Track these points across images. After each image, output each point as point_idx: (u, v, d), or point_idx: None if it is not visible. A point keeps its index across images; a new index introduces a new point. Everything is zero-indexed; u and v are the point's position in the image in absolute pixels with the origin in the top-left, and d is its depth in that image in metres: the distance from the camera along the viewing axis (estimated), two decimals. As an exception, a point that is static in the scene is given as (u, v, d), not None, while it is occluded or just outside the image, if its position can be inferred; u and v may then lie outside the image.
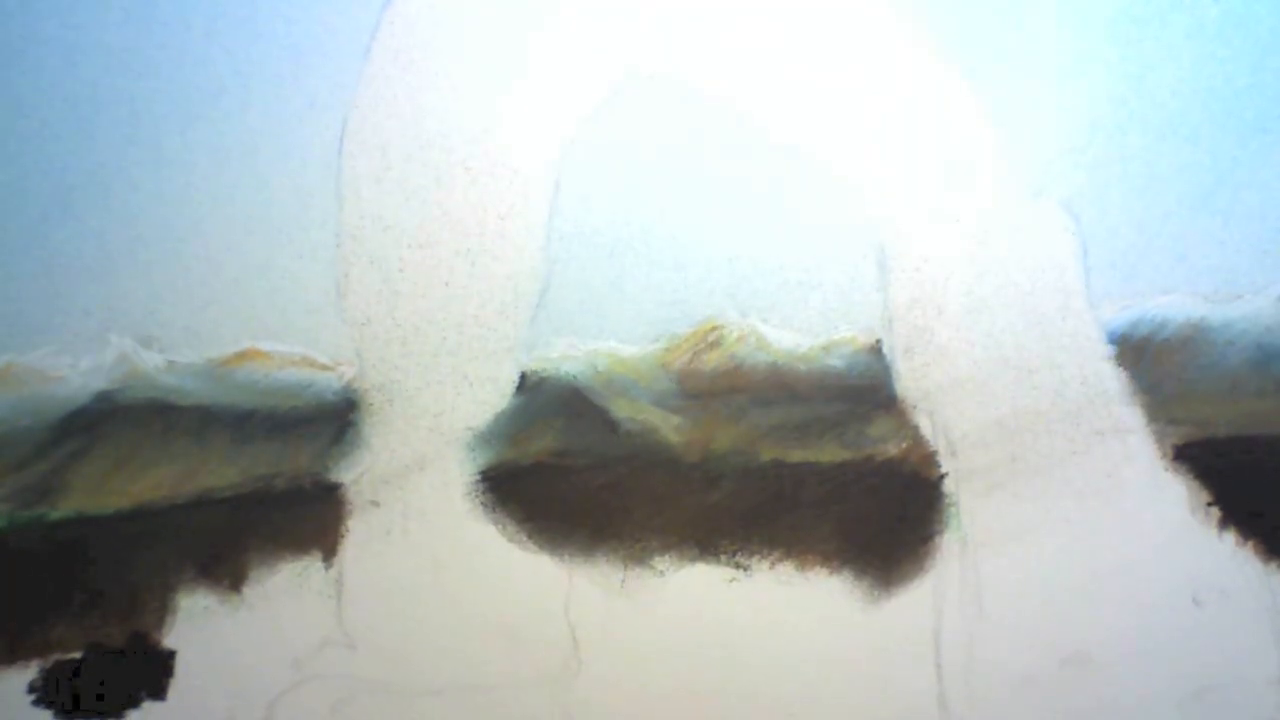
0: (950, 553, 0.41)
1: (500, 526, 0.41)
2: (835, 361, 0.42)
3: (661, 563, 0.41)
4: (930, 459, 0.41)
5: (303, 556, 0.41)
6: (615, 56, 0.42)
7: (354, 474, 0.41)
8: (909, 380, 0.42)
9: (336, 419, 0.41)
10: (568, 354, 0.42)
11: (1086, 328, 0.42)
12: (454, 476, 0.41)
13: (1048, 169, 0.42)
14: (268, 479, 0.40)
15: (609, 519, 0.41)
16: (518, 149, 0.42)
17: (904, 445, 0.41)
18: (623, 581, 0.41)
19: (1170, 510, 0.42)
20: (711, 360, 0.42)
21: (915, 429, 0.41)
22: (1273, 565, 0.43)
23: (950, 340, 0.42)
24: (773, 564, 0.41)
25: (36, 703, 0.39)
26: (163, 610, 0.40)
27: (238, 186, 0.41)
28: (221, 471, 0.40)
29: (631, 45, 0.42)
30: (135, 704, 0.40)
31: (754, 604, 0.41)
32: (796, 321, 0.42)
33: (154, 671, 0.40)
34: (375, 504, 0.41)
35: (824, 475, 0.41)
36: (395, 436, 0.41)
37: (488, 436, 0.41)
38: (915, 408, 0.42)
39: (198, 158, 0.41)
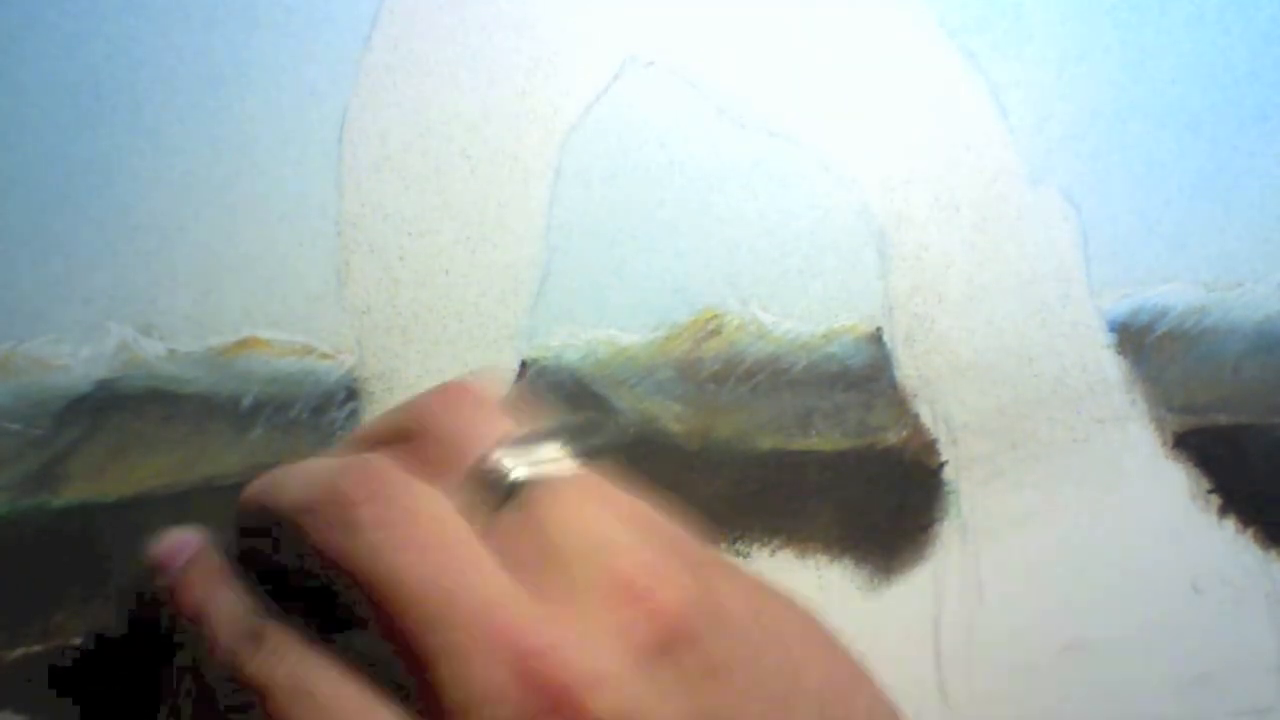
0: (950, 540, 0.41)
1: (501, 515, 0.41)
2: (836, 349, 0.42)
3: (662, 550, 0.41)
4: (931, 447, 0.42)
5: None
6: (615, 44, 0.42)
7: (354, 462, 0.41)
8: (909, 368, 0.42)
9: (337, 407, 0.41)
10: (568, 342, 0.42)
11: (1087, 316, 0.43)
12: (454, 465, 0.41)
13: (1048, 157, 0.43)
14: (269, 467, 0.41)
15: (609, 507, 0.41)
16: (517, 137, 0.42)
17: (904, 433, 0.42)
18: (623, 569, 0.41)
19: (1170, 498, 0.43)
20: (712, 348, 0.42)
21: (916, 417, 0.42)
22: (1273, 553, 0.43)
23: (951, 328, 0.42)
24: (773, 551, 0.42)
25: (39, 690, 0.40)
26: (164, 599, 0.40)
27: (237, 175, 0.41)
28: (222, 459, 0.41)
29: (632, 33, 0.43)
30: (135, 691, 0.40)
31: (754, 591, 0.42)
32: (797, 310, 0.43)
33: (155, 660, 0.40)
34: (376, 492, 0.41)
35: (824, 463, 0.42)
36: (395, 425, 0.41)
37: (488, 425, 0.41)
38: (916, 395, 0.42)
39: (197, 146, 0.41)
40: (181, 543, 0.31)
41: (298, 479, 0.27)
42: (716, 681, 0.22)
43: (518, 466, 0.25)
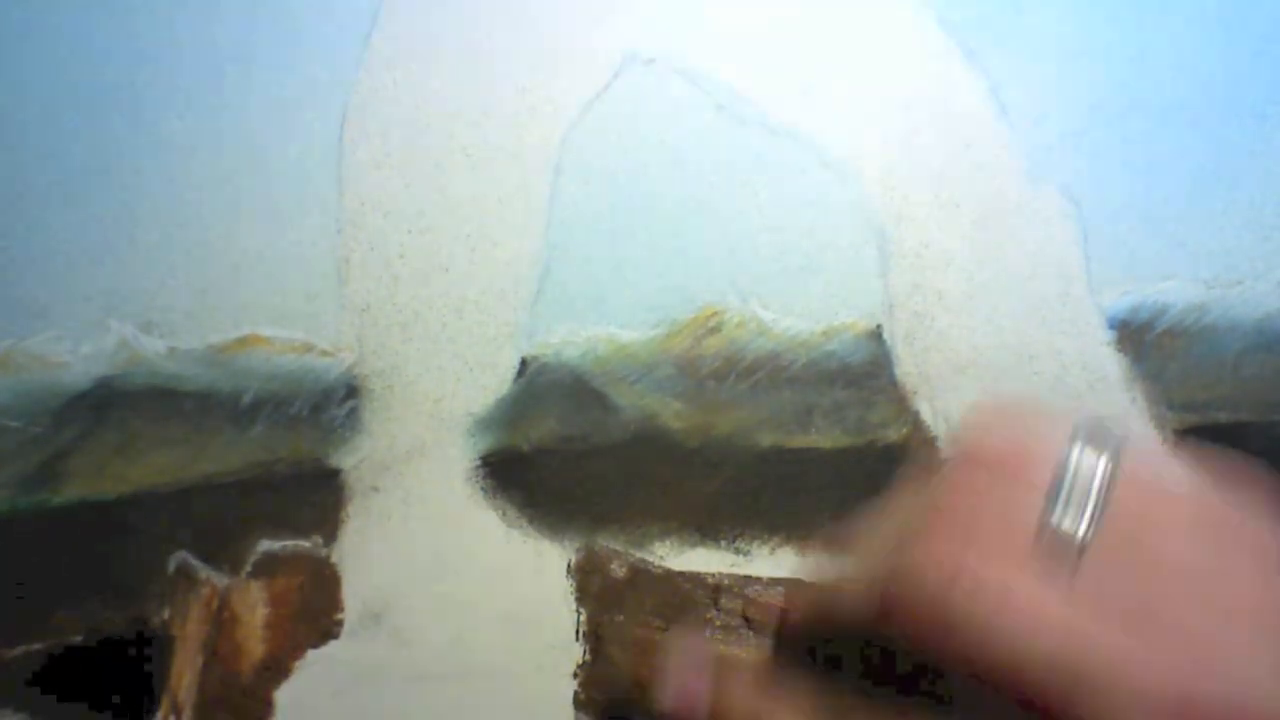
0: (950, 538, 0.41)
1: (501, 512, 0.41)
2: (836, 347, 0.42)
3: (662, 548, 0.41)
4: (931, 444, 0.42)
5: (303, 542, 0.41)
6: (616, 41, 0.42)
7: (355, 460, 0.41)
8: (909, 366, 0.42)
9: (337, 405, 0.41)
10: (568, 340, 0.42)
11: (1087, 313, 0.42)
12: (454, 462, 0.41)
13: (1048, 154, 0.43)
14: (268, 465, 0.41)
15: (610, 504, 0.41)
16: (517, 135, 0.42)
17: (905, 430, 0.42)
18: (624, 566, 0.41)
19: (1170, 495, 0.43)
20: (712, 346, 0.42)
21: (916, 414, 0.42)
22: (1272, 550, 0.43)
23: (950, 326, 0.42)
24: (773, 549, 0.42)
25: (38, 687, 0.40)
26: (164, 595, 0.40)
27: (238, 172, 0.41)
28: (222, 457, 0.41)
29: (632, 29, 0.42)
30: (135, 688, 0.40)
31: (754, 588, 0.42)
32: (797, 307, 0.43)
33: (154, 657, 0.40)
34: (376, 490, 0.41)
35: (824, 460, 0.42)
36: (396, 422, 0.41)
37: (488, 422, 0.41)
38: (916, 393, 0.42)
39: (198, 143, 0.41)
40: (689, 671, 0.31)
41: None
42: None
43: (1079, 518, 0.25)
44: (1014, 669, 0.23)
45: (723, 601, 0.41)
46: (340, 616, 0.42)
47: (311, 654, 0.41)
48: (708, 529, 0.42)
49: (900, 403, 0.42)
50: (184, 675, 0.40)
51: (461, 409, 0.42)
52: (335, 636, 0.41)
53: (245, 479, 0.41)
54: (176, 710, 0.40)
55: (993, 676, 0.23)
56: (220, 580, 0.41)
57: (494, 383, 0.42)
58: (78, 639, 0.40)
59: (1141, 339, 0.43)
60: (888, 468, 0.42)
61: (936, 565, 0.25)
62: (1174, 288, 0.43)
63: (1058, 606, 0.23)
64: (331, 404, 0.42)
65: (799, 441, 0.42)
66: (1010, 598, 0.24)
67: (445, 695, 0.41)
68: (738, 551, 0.42)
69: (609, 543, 0.42)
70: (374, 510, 0.42)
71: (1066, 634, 0.23)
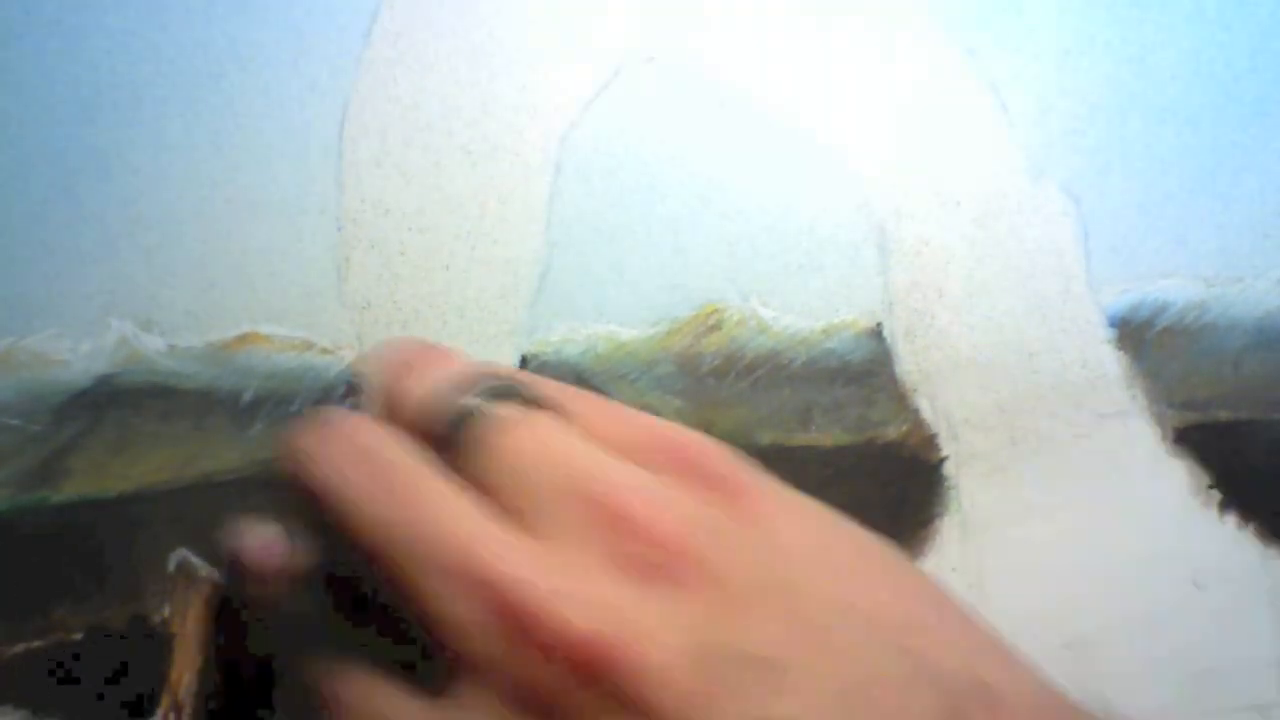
0: (950, 536, 0.41)
1: (501, 510, 0.41)
2: (836, 345, 0.42)
3: (662, 546, 0.41)
4: (931, 442, 0.42)
5: (303, 540, 0.41)
6: (616, 40, 0.42)
7: (355, 457, 0.41)
8: (910, 363, 0.42)
9: (337, 402, 0.41)
10: (568, 337, 0.42)
11: (1087, 311, 0.42)
12: (454, 460, 0.41)
13: (1048, 152, 0.43)
14: (269, 463, 0.41)
15: (610, 502, 0.41)
16: (518, 132, 0.42)
17: (904, 429, 0.42)
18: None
19: (1171, 493, 0.43)
20: (712, 344, 0.42)
21: (916, 412, 0.42)
22: (1273, 548, 0.43)
23: (950, 323, 0.42)
24: (773, 547, 0.41)
25: (38, 684, 0.40)
26: (164, 594, 0.40)
27: (238, 170, 0.41)
28: (223, 455, 0.41)
29: (632, 28, 0.43)
30: (135, 686, 0.40)
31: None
32: (797, 305, 0.43)
33: (154, 655, 0.40)
34: (376, 487, 0.41)
35: (824, 459, 0.42)
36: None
37: (488, 420, 0.41)
38: (916, 391, 0.42)
39: (198, 141, 0.41)
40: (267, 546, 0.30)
41: None
42: (730, 607, 0.21)
43: (471, 396, 0.25)
44: (371, 531, 0.22)
45: None
46: (340, 615, 0.41)
47: (311, 652, 0.41)
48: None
49: (900, 400, 0.42)
50: (184, 673, 0.40)
51: (461, 407, 0.42)
52: (335, 635, 0.41)
53: (245, 477, 0.41)
54: (176, 708, 0.40)
55: (356, 539, 0.23)
56: (220, 578, 0.41)
57: (494, 381, 0.42)
58: (78, 636, 0.40)
59: (1142, 337, 0.43)
60: (888, 465, 0.42)
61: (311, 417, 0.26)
62: (1174, 285, 0.43)
63: (424, 473, 0.23)
64: (331, 402, 0.42)
65: (799, 439, 0.42)
66: (379, 456, 0.23)
67: (445, 693, 0.41)
68: (738, 549, 0.42)
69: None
70: (374, 508, 0.42)
71: (421, 500, 0.22)
